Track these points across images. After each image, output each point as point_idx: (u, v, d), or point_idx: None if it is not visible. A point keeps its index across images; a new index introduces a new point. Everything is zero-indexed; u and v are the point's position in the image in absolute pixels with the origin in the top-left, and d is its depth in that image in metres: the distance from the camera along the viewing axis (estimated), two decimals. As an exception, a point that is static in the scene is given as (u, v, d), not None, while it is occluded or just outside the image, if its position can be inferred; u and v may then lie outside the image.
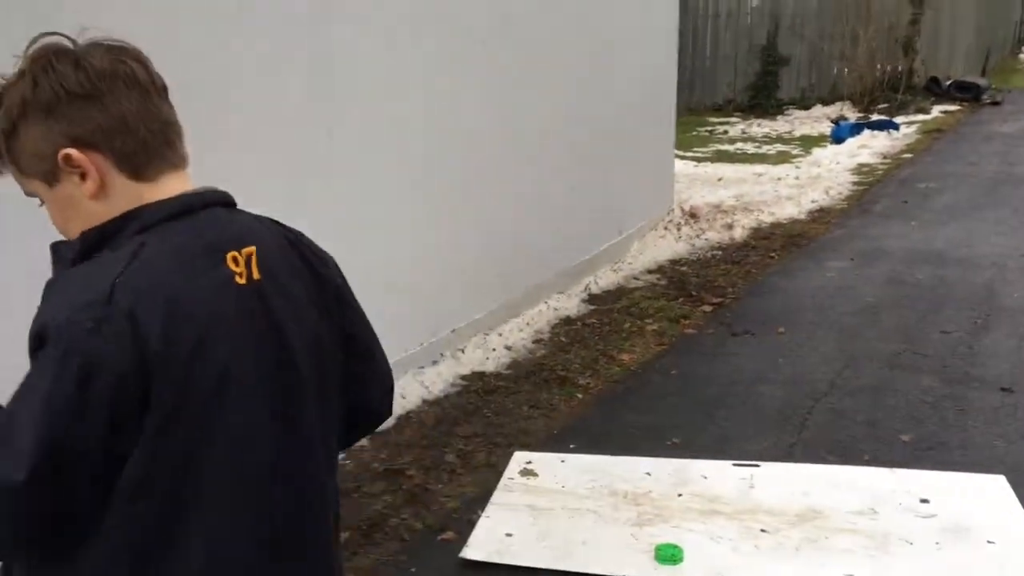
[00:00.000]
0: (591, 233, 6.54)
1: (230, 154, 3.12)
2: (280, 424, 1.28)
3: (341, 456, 3.87)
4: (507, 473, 3.79)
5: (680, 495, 3.56)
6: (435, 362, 4.86)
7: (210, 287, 1.21)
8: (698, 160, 11.29)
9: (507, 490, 3.66)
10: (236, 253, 1.24)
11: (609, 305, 5.97)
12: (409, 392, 4.53)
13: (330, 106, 4.10)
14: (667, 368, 4.95)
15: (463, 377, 4.81)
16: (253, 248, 1.26)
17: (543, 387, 4.70)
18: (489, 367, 4.93)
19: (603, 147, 6.52)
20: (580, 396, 4.61)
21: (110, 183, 1.22)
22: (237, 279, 1.23)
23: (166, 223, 1.22)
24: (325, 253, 1.45)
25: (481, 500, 3.59)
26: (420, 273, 4.76)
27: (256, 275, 1.25)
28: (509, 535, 3.33)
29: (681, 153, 10.24)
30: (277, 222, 1.40)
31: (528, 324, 5.51)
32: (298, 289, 1.33)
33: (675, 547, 3.15)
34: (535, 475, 3.78)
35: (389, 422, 4.28)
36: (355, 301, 1.49)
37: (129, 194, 1.23)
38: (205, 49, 3.39)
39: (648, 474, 3.72)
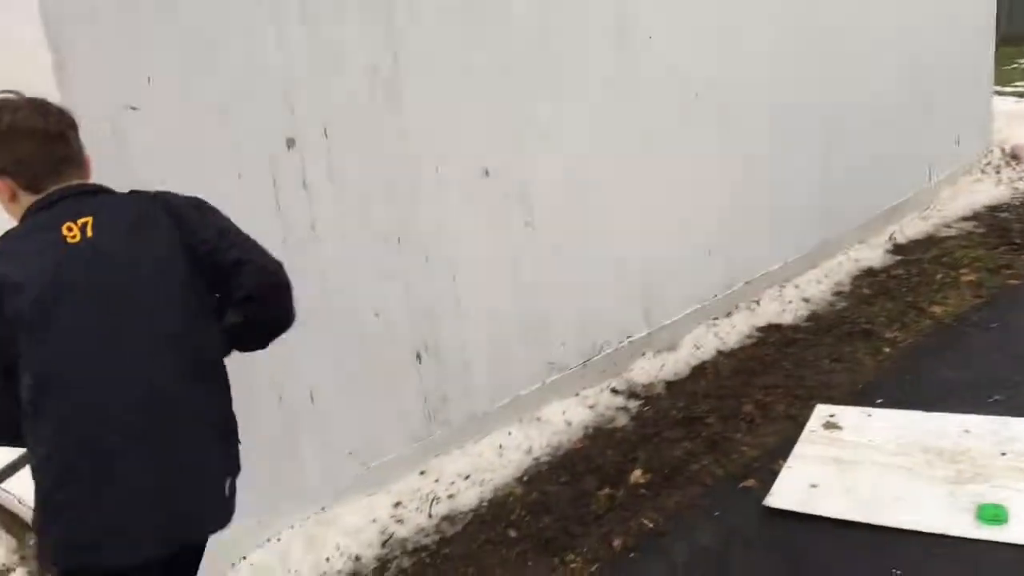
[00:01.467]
0: (896, 179, 6.14)
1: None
2: (102, 330, 1.90)
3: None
4: (809, 425, 3.72)
5: (1004, 454, 3.31)
6: (729, 314, 4.84)
7: (38, 247, 1.91)
8: (1020, 95, 10.14)
9: (810, 442, 3.60)
10: (71, 223, 1.93)
11: (917, 255, 5.59)
12: (704, 343, 4.56)
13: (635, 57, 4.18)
14: (986, 321, 4.57)
15: (759, 329, 4.75)
16: (89, 218, 1.94)
17: (845, 340, 4.53)
18: (786, 319, 4.83)
19: (912, 85, 6.06)
20: (887, 350, 4.39)
21: (18, 195, 2.00)
22: (69, 239, 1.92)
23: (36, 213, 1.97)
24: (181, 203, 2.09)
25: (782, 451, 3.57)
26: (713, 225, 4.75)
27: (90, 234, 1.93)
28: (814, 486, 3.28)
29: (1000, 89, 9.24)
30: (144, 193, 2.08)
31: (827, 276, 5.31)
32: (141, 236, 1.98)
33: (999, 507, 2.95)
34: (839, 428, 3.68)
35: (684, 371, 4.36)
36: (202, 224, 2.07)
37: (28, 200, 2.00)
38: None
39: (967, 432, 3.49)
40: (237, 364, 3.00)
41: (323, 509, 3.30)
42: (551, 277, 4.00)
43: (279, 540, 3.16)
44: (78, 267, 1.90)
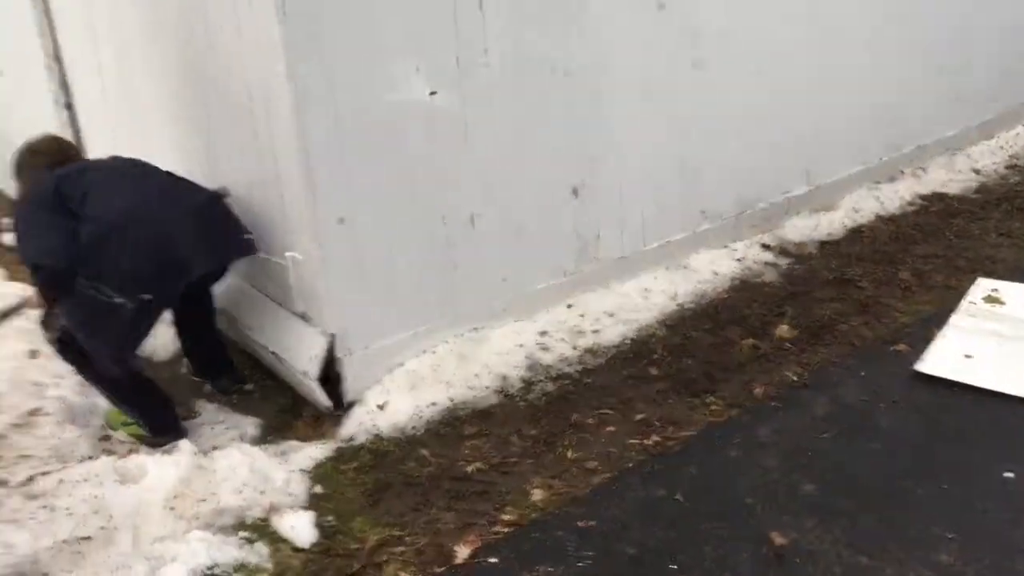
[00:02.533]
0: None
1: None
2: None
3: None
4: (969, 297, 3.61)
5: None
6: (893, 179, 4.65)
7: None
8: None
9: (969, 314, 3.50)
10: None
11: (1107, 133, 5.18)
12: (863, 206, 4.42)
13: None
14: None
15: (922, 197, 4.56)
16: None
17: (1016, 215, 4.31)
18: (952, 189, 4.61)
19: None
20: (1062, 228, 4.16)
21: None
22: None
23: None
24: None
25: (937, 320, 3.48)
26: (887, 84, 4.49)
27: None
28: (968, 356, 3.21)
29: None
30: None
31: (1002, 148, 5.00)
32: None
33: None
34: (1001, 303, 3.56)
35: (840, 233, 4.28)
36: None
37: None
38: None
39: None
40: (399, 186, 3.10)
41: (475, 329, 3.44)
42: (713, 123, 3.90)
43: (434, 353, 3.33)
44: None
